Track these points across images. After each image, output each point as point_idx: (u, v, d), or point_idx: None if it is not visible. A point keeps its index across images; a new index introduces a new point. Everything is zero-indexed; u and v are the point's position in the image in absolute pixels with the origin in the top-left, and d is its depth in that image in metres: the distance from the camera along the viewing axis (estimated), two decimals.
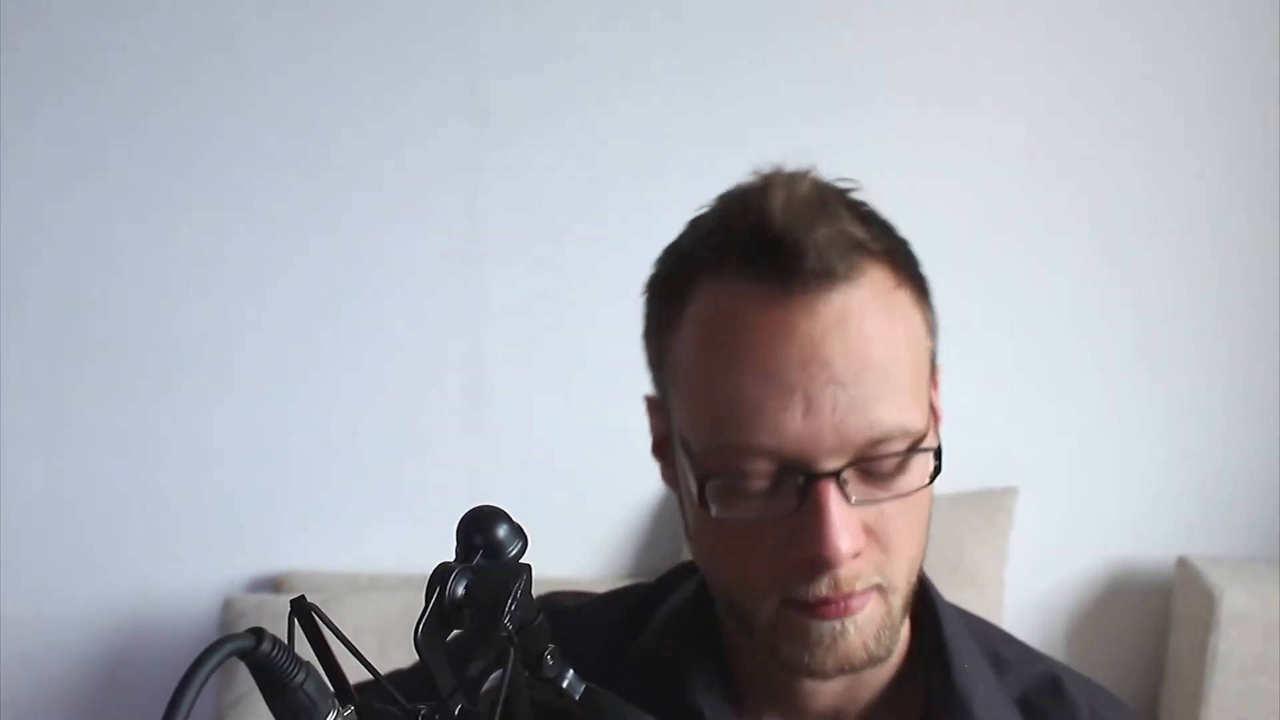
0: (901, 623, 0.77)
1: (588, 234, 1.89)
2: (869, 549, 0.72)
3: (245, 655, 0.41)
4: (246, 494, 1.92)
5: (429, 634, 0.48)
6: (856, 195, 0.76)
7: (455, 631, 0.51)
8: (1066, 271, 1.91)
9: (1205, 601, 1.77)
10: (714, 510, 0.71)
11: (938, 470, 0.73)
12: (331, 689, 0.44)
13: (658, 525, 1.92)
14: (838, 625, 0.72)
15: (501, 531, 0.52)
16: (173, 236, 1.87)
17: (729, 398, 0.69)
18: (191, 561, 1.89)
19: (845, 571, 0.70)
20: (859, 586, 0.72)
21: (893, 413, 0.69)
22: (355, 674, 0.50)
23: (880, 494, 0.71)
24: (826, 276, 0.68)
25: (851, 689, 0.80)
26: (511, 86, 1.85)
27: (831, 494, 0.69)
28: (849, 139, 1.86)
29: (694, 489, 0.72)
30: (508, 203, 1.87)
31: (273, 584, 1.90)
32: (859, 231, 0.70)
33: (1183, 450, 1.94)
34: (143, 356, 1.89)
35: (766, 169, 0.76)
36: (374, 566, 1.89)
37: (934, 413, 0.76)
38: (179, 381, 1.90)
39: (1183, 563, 1.87)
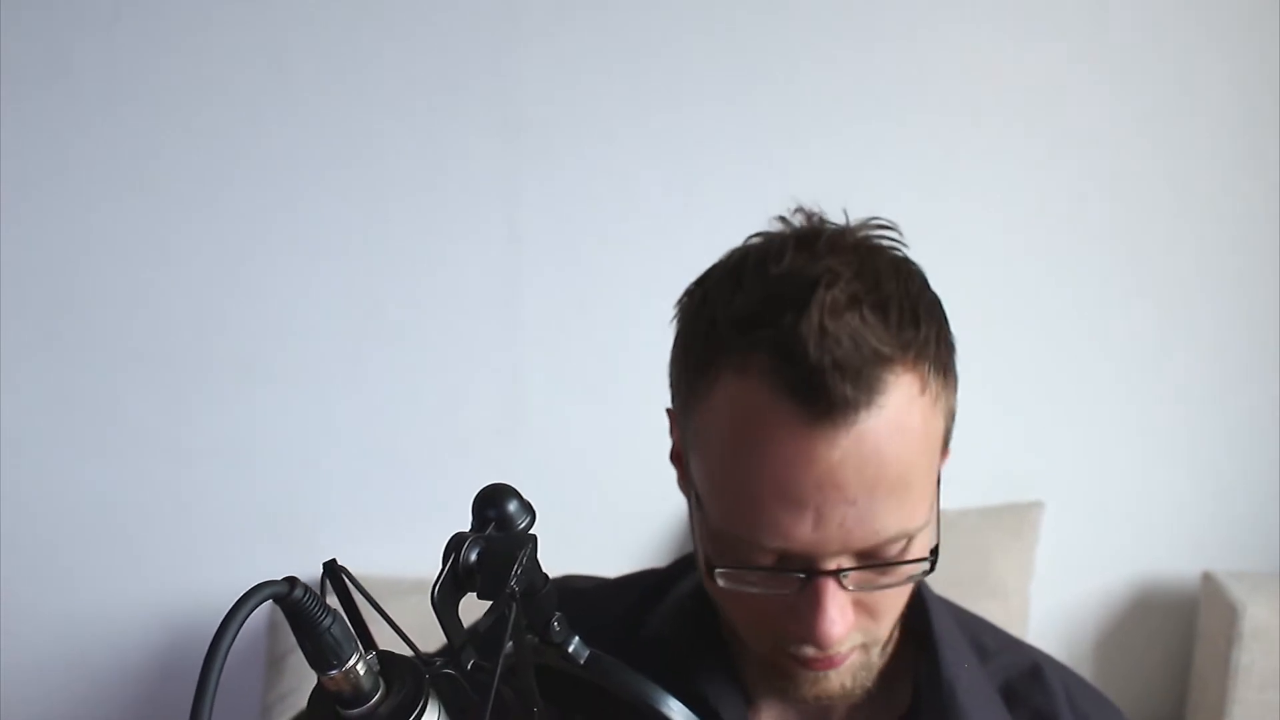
0: (879, 661, 0.83)
1: (622, 247, 1.93)
2: (858, 618, 0.77)
3: (280, 599, 0.47)
4: (292, 499, 1.97)
5: (444, 595, 0.54)
6: (891, 271, 0.76)
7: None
8: (1090, 287, 1.93)
9: (1228, 615, 1.79)
10: (720, 583, 0.77)
11: (932, 567, 0.77)
12: (355, 636, 0.50)
13: (690, 532, 1.97)
14: (821, 674, 0.79)
15: (511, 506, 0.57)
16: (222, 249, 1.93)
17: (745, 503, 0.74)
18: (238, 564, 1.95)
19: (830, 647, 0.76)
20: (844, 649, 0.78)
21: (898, 521, 0.73)
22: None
23: (876, 580, 0.76)
24: (850, 407, 0.70)
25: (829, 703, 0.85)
26: (548, 105, 1.90)
27: (829, 588, 0.74)
28: (872, 154, 1.90)
29: (701, 557, 0.78)
30: (545, 217, 1.92)
31: (317, 587, 1.96)
32: (889, 344, 0.71)
33: (1208, 465, 1.95)
34: (191, 364, 1.95)
35: (810, 216, 0.80)
36: (415, 571, 1.95)
37: (938, 484, 0.79)
38: (227, 389, 1.95)
39: (1208, 577, 1.90)
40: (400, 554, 1.96)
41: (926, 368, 0.74)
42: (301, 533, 1.96)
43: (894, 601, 0.79)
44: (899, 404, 0.72)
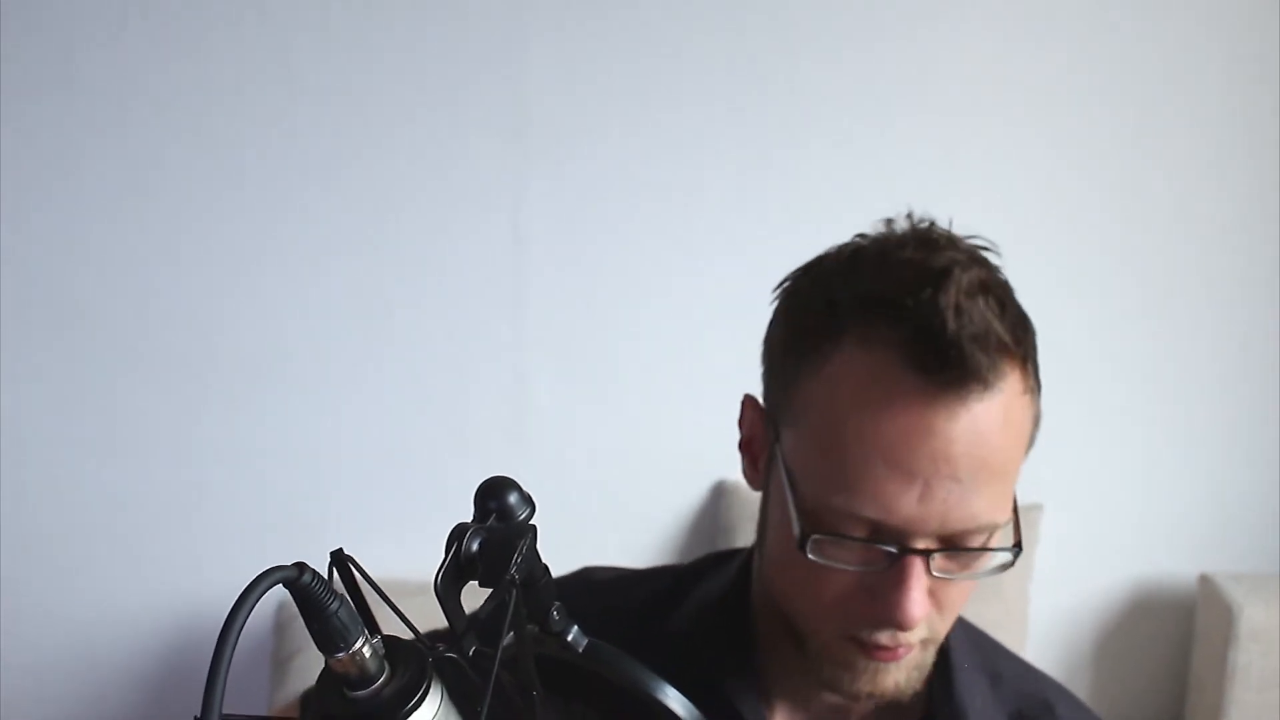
0: (930, 663, 0.85)
1: (628, 248, 1.95)
2: (929, 611, 0.79)
3: (290, 583, 0.49)
4: (297, 500, 1.99)
5: (447, 583, 0.56)
6: (1002, 276, 0.80)
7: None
8: (1090, 291, 1.95)
9: (1225, 617, 1.81)
10: (811, 556, 0.78)
11: (1012, 562, 0.79)
12: (361, 621, 0.52)
13: (695, 532, 1.98)
14: (882, 665, 0.80)
15: (512, 498, 0.59)
16: (228, 252, 1.95)
17: (856, 472, 0.75)
18: (243, 566, 1.96)
19: (907, 630, 0.78)
20: (912, 640, 0.80)
21: (991, 509, 0.76)
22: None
23: (957, 571, 0.78)
24: (974, 384, 0.73)
25: (870, 705, 0.87)
26: (553, 108, 1.92)
27: (918, 568, 0.75)
28: (874, 156, 1.92)
29: (795, 532, 0.78)
30: (550, 218, 1.94)
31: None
32: (1006, 335, 0.75)
33: (1206, 468, 1.97)
34: (197, 366, 1.97)
35: (919, 221, 0.84)
36: (421, 573, 1.96)
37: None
38: (233, 391, 1.97)
39: (1205, 579, 1.91)
40: (405, 555, 1.98)
41: (1030, 367, 0.78)
42: (307, 534, 1.98)
43: (960, 597, 0.81)
44: (1011, 393, 0.75)
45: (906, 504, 0.74)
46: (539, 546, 0.60)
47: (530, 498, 0.61)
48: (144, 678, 2.02)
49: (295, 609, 1.77)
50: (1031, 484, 1.93)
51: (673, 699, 0.67)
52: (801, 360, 0.79)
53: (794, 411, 0.80)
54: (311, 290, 1.95)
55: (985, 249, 0.83)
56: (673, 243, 1.91)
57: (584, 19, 1.90)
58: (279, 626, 1.90)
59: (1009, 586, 1.89)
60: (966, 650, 0.90)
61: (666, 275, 1.88)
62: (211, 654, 0.48)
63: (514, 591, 0.54)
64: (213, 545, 2.00)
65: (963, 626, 0.92)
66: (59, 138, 1.91)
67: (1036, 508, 1.95)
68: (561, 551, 0.63)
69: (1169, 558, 1.98)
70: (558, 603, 0.64)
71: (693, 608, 0.92)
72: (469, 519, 0.61)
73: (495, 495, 0.60)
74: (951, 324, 0.73)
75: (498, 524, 0.59)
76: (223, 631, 0.48)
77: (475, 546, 0.57)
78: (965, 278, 0.75)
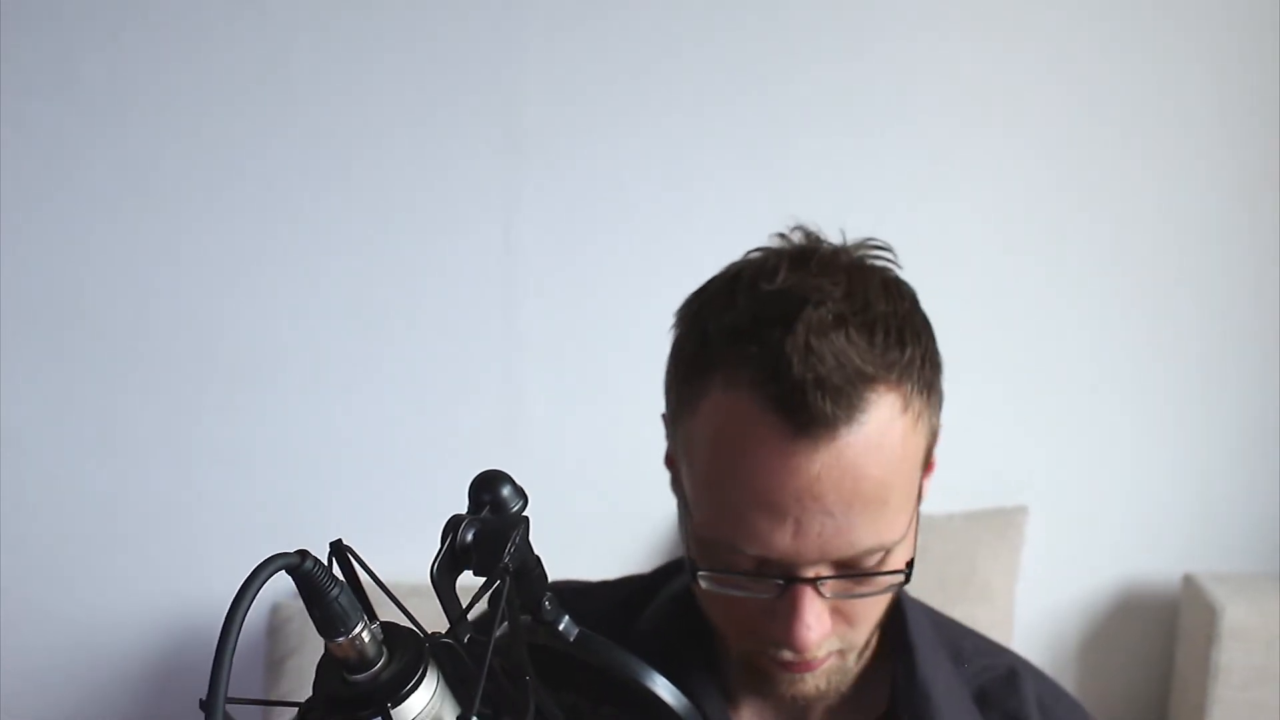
0: (855, 666, 0.86)
1: (619, 254, 1.96)
2: (835, 625, 0.80)
3: (292, 569, 0.51)
4: (292, 503, 2.00)
5: (442, 572, 0.58)
6: (880, 293, 0.79)
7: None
8: (1076, 295, 1.97)
9: (1208, 616, 1.83)
10: (704, 585, 0.80)
11: (906, 580, 0.80)
12: (361, 607, 0.54)
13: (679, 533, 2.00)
14: (797, 676, 0.82)
15: (505, 491, 0.61)
16: (224, 256, 1.96)
17: (729, 512, 0.77)
18: (237, 568, 1.97)
19: (807, 652, 0.79)
20: (820, 654, 0.81)
21: (874, 535, 0.77)
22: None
23: (852, 589, 0.79)
24: (830, 423, 0.73)
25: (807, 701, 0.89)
26: (545, 115, 1.93)
27: (807, 595, 0.77)
28: (865, 163, 1.94)
29: (688, 557, 0.81)
30: (542, 225, 1.95)
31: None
32: (872, 364, 0.75)
33: (1190, 470, 1.99)
34: (193, 370, 1.98)
35: (808, 235, 0.83)
36: (413, 576, 1.97)
37: (919, 499, 0.83)
38: (229, 395, 1.98)
39: (1188, 579, 1.93)
40: (398, 559, 1.99)
41: (909, 387, 0.77)
42: (301, 536, 1.96)
43: (871, 610, 0.82)
44: (879, 422, 0.75)
45: (781, 540, 0.75)
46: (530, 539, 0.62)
47: (523, 490, 0.63)
48: (141, 679, 2.03)
49: (288, 613, 1.81)
50: (1017, 486, 1.97)
51: (661, 687, 0.69)
52: (683, 396, 0.81)
53: (683, 445, 0.83)
54: (306, 295, 1.97)
55: (878, 252, 0.83)
56: (663, 250, 1.92)
57: (576, 28, 1.92)
58: (272, 629, 1.91)
59: (996, 586, 1.91)
60: (927, 632, 0.92)
61: (657, 282, 1.89)
62: (209, 656, 0.49)
63: (507, 580, 0.56)
64: (209, 547, 2.01)
65: (922, 609, 0.94)
66: (52, 142, 1.92)
67: (1022, 510, 1.97)
68: (553, 556, 0.64)
69: (1153, 559, 2.00)
70: (549, 593, 0.66)
71: (656, 609, 0.94)
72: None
73: (489, 488, 0.62)
74: (798, 368, 0.73)
75: (491, 515, 0.61)
76: (227, 617, 0.50)
77: (470, 537, 0.59)
78: (819, 314, 0.75)
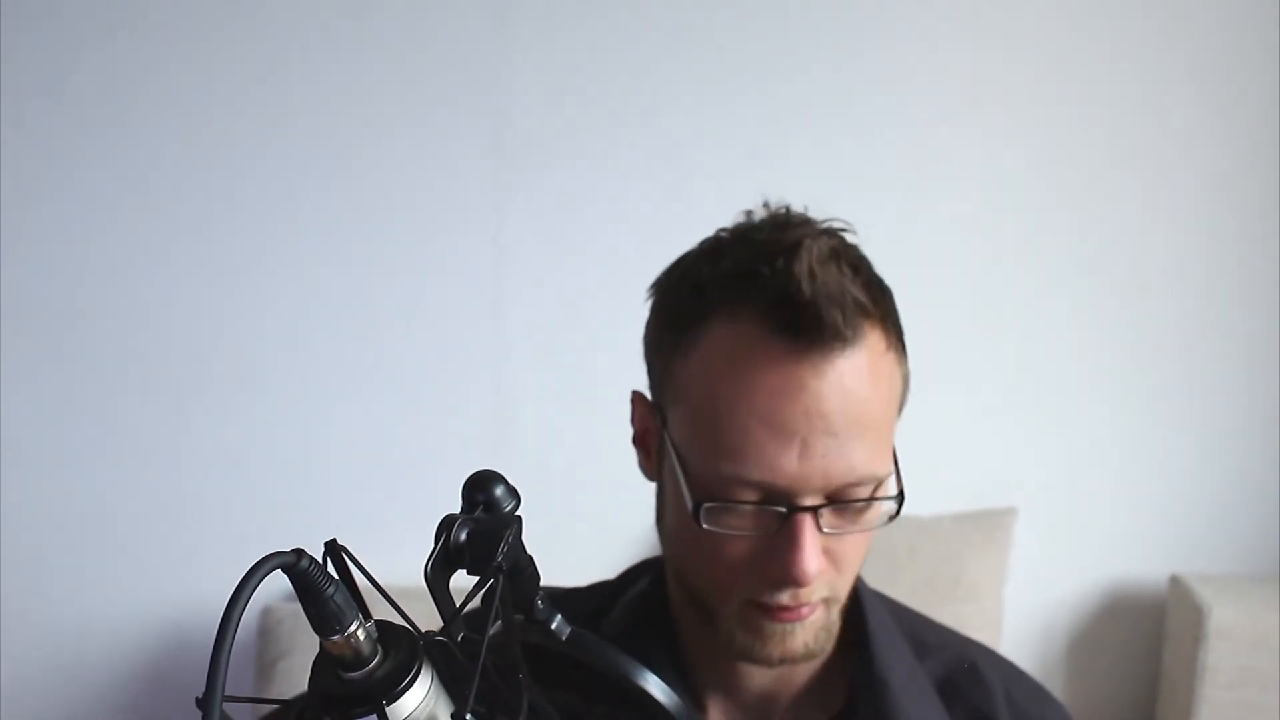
0: (837, 623, 0.88)
1: (608, 259, 1.97)
2: (826, 568, 0.82)
3: (288, 568, 0.51)
4: (283, 508, 2.00)
5: (436, 571, 0.59)
6: (856, 246, 0.85)
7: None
8: (1063, 298, 1.98)
9: (1195, 616, 1.84)
10: (705, 525, 0.81)
11: (898, 512, 0.83)
12: (356, 605, 0.54)
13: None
14: (789, 627, 0.84)
15: (499, 490, 0.62)
16: (218, 261, 1.96)
17: (736, 437, 0.79)
18: (231, 571, 1.97)
19: (804, 587, 0.81)
20: (813, 598, 0.83)
21: (869, 461, 0.80)
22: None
23: (847, 526, 0.82)
24: (837, 341, 0.78)
25: (785, 674, 0.90)
26: (536, 119, 1.94)
27: (808, 525, 0.79)
28: (855, 166, 1.95)
29: (688, 504, 0.82)
30: (532, 230, 1.96)
31: None
32: (863, 297, 0.80)
33: (1176, 471, 2.00)
34: (187, 375, 1.98)
35: (776, 208, 0.87)
36: (404, 579, 1.97)
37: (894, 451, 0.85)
38: (221, 399, 1.98)
39: (1175, 580, 1.95)
40: (391, 561, 1.99)
41: (889, 328, 0.82)
42: (296, 540, 1.96)
43: (857, 552, 0.85)
44: (873, 351, 0.80)
45: (788, 463, 0.78)
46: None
47: (516, 490, 0.63)
48: (136, 681, 2.03)
49: (280, 615, 1.81)
50: (1005, 487, 1.98)
51: (654, 685, 0.70)
52: (676, 344, 0.84)
53: (675, 393, 0.84)
54: (298, 300, 1.97)
55: (842, 229, 0.87)
56: (653, 254, 1.93)
57: (567, 33, 1.93)
58: (264, 631, 1.91)
59: (984, 587, 1.92)
60: (886, 622, 0.93)
61: (645, 288, 1.89)
62: (204, 658, 0.49)
63: (500, 578, 0.57)
64: (203, 549, 2.01)
65: (881, 600, 0.95)
66: (48, 147, 1.92)
67: (1010, 511, 1.98)
68: (542, 559, 0.65)
69: (1140, 560, 2.01)
70: (542, 592, 0.66)
71: (622, 610, 0.95)
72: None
73: (482, 488, 0.62)
74: (806, 287, 0.77)
75: (485, 515, 0.61)
76: (224, 614, 0.50)
77: (463, 536, 0.59)
78: (817, 246, 0.80)
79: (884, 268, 0.87)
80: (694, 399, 0.82)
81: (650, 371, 0.90)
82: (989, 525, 1.95)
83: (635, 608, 0.94)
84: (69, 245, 1.96)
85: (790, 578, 0.80)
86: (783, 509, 0.79)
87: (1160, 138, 1.96)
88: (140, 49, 1.92)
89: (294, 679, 1.83)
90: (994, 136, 1.96)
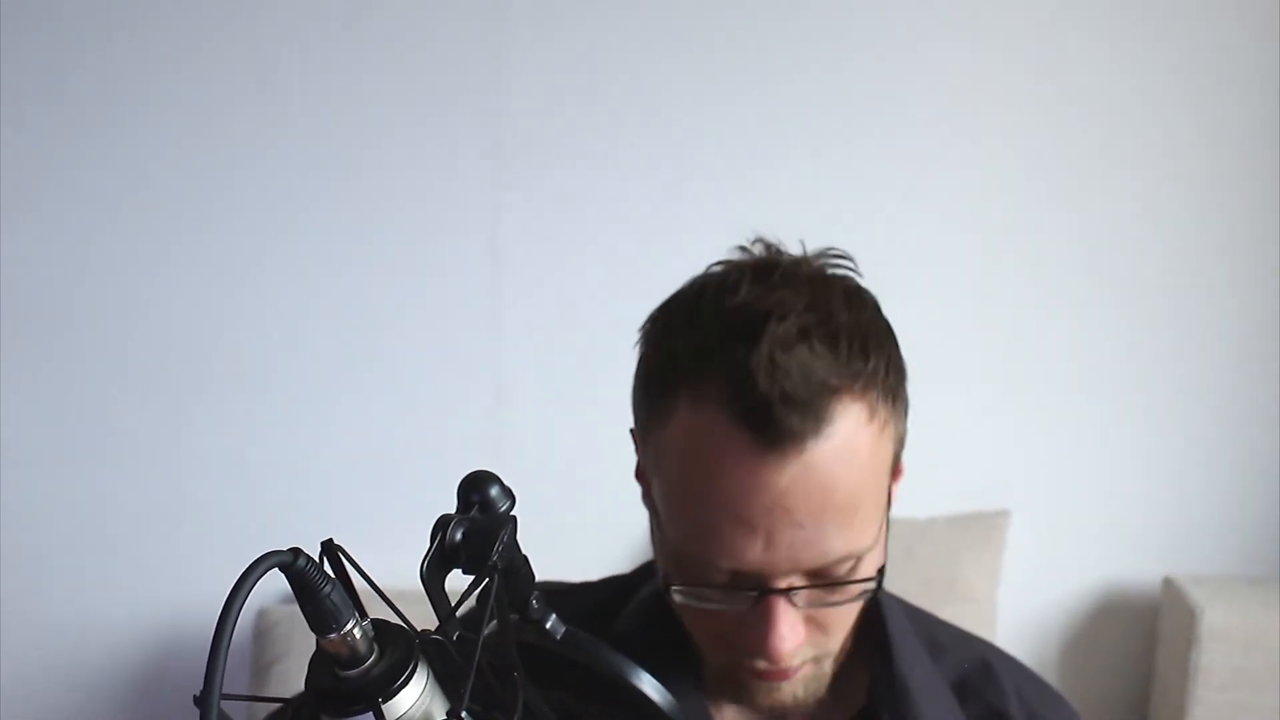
0: (829, 672, 0.87)
1: (604, 263, 1.97)
2: (810, 634, 0.81)
3: (285, 567, 0.52)
4: (279, 510, 2.01)
5: (431, 571, 0.59)
6: (844, 303, 0.79)
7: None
8: (1055, 301, 1.99)
9: (1187, 618, 1.85)
10: (678, 600, 0.81)
11: (878, 588, 0.81)
12: (352, 604, 0.55)
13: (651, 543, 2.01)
14: (773, 685, 0.84)
15: (493, 490, 0.62)
16: (214, 262, 1.97)
17: (701, 527, 0.78)
18: (230, 572, 1.97)
19: (782, 661, 0.80)
20: (796, 663, 0.82)
21: (844, 544, 0.78)
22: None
23: (825, 598, 0.80)
24: (797, 436, 0.74)
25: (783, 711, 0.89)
26: (532, 122, 1.95)
27: (780, 605, 0.78)
28: (849, 171, 1.95)
29: (660, 576, 0.82)
30: (528, 233, 1.97)
31: None
32: (837, 375, 0.76)
33: (1168, 474, 2.01)
34: (187, 375, 1.99)
35: (769, 247, 0.84)
36: (401, 581, 1.97)
37: (888, 504, 0.83)
38: (221, 399, 1.99)
39: (1168, 582, 1.95)
40: (386, 563, 2.00)
41: (875, 396, 0.78)
42: (292, 542, 1.98)
43: (844, 618, 0.83)
44: (846, 432, 0.76)
45: (753, 553, 0.76)
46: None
47: (510, 491, 0.64)
48: (133, 682, 2.03)
49: (275, 618, 1.81)
50: (999, 491, 1.98)
51: (647, 684, 0.70)
52: (653, 409, 0.82)
53: (652, 461, 0.84)
54: (295, 305, 1.98)
55: (839, 261, 0.84)
56: (649, 257, 1.94)
57: (565, 33, 1.94)
58: (259, 634, 1.92)
59: (978, 590, 1.93)
60: (903, 625, 0.93)
61: (643, 290, 1.89)
62: (201, 660, 0.50)
63: (495, 577, 0.57)
64: (200, 551, 2.01)
65: (898, 603, 0.95)
66: (46, 150, 1.93)
67: (1004, 514, 1.98)
68: (539, 560, 0.65)
69: (1133, 562, 2.02)
70: (537, 592, 0.67)
71: (635, 609, 0.95)
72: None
73: (477, 488, 0.63)
74: (763, 384, 0.74)
75: (480, 515, 0.62)
76: (222, 612, 0.51)
77: (459, 535, 0.60)
78: (783, 328, 0.75)
79: (880, 268, 0.86)
80: (666, 477, 0.82)
81: (636, 422, 0.88)
82: (983, 528, 1.96)
83: (648, 607, 0.93)
84: (69, 245, 1.96)
85: (765, 656, 0.80)
86: (753, 592, 0.78)
87: (1158, 139, 1.96)
88: (140, 49, 1.92)
89: (290, 682, 1.83)
90: (993, 136, 1.96)
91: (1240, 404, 2.00)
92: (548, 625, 0.67)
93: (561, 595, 0.99)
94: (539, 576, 0.70)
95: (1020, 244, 1.98)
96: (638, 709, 0.70)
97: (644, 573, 1.00)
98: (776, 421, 0.74)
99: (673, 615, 0.90)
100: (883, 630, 0.91)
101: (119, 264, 1.97)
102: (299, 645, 1.86)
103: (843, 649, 0.87)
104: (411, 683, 0.54)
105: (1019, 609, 2.00)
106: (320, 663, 0.55)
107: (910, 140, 1.96)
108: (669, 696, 0.71)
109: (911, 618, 0.95)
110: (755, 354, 0.75)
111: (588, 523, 1.99)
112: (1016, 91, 1.96)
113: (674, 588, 0.81)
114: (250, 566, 0.51)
